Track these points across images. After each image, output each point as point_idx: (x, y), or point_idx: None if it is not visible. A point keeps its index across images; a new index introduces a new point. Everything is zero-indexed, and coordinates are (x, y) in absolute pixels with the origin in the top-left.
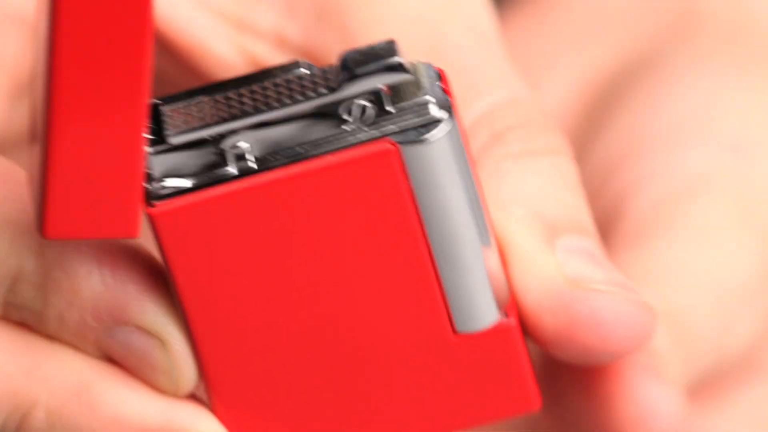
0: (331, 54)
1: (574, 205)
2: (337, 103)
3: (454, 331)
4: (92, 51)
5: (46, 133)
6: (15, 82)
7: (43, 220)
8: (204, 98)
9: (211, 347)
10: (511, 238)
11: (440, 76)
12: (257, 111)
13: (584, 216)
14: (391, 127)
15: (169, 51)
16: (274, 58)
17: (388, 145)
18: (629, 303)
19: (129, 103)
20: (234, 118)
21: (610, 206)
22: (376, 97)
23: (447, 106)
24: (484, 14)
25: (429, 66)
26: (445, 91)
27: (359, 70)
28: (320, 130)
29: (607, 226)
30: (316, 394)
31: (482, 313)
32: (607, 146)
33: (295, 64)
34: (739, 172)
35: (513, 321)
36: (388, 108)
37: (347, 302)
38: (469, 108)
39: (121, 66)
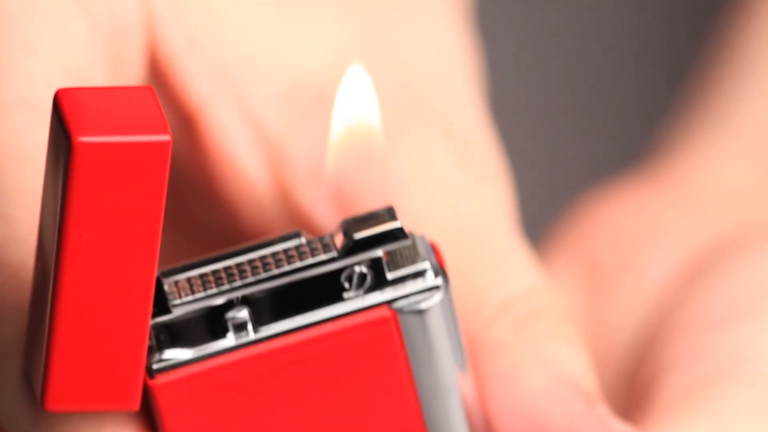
0: (368, 197)
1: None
2: (338, 271)
3: None
4: (104, 222)
5: (52, 307)
6: None
7: (44, 393)
8: (204, 269)
9: None
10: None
11: (432, 246)
12: (257, 281)
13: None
14: (390, 294)
15: (199, 163)
16: (304, 191)
17: (387, 312)
18: None
19: (138, 279)
20: (234, 288)
21: (648, 380)
22: (375, 263)
23: (442, 273)
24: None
25: (422, 237)
26: (438, 260)
27: (358, 236)
28: (320, 298)
29: (643, 399)
30: None
31: None
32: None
33: (296, 234)
34: None
35: None
36: (387, 275)
37: None
38: (493, 291)
39: (132, 243)
